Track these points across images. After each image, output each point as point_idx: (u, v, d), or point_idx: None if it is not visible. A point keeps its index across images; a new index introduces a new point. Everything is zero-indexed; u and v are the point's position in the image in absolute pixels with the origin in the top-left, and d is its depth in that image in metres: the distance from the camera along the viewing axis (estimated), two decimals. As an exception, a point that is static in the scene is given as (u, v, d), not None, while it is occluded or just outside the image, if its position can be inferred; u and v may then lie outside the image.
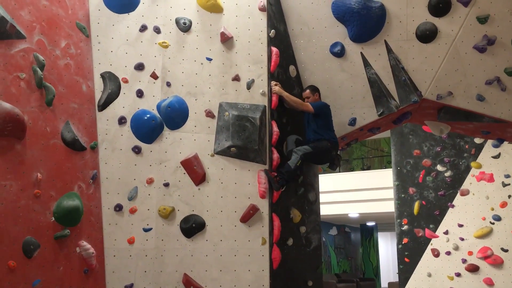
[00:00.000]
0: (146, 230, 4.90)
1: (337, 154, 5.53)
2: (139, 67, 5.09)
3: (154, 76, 5.11)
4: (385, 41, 5.74)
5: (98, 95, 4.93)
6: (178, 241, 4.94)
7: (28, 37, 4.23)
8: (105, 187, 4.84)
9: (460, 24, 5.64)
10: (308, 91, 5.59)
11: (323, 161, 5.57)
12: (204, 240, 4.97)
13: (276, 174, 5.12)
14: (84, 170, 4.66)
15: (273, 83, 5.31)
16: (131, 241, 4.85)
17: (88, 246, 4.55)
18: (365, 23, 5.67)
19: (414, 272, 9.14)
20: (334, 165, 5.61)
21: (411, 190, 9.35)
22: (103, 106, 4.93)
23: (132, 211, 4.89)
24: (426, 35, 5.66)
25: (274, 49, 5.39)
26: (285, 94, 5.35)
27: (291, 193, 5.49)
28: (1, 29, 3.98)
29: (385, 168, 17.13)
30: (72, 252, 4.44)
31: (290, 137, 5.43)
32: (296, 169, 5.16)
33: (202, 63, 5.24)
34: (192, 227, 4.95)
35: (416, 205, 9.24)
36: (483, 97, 5.67)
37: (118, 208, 4.85)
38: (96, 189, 4.78)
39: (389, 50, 5.73)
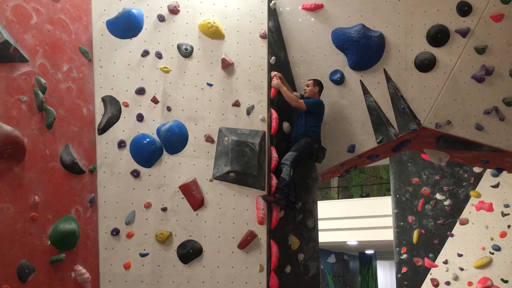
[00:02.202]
0: (142, 255, 4.85)
1: (320, 146, 5.54)
2: (140, 91, 5.12)
3: (154, 100, 5.14)
4: (384, 69, 5.80)
5: (98, 118, 4.95)
6: (175, 267, 4.89)
7: (31, 61, 4.27)
8: (103, 211, 4.82)
9: (458, 54, 5.71)
10: (311, 81, 5.66)
11: (310, 157, 5.58)
12: (201, 266, 4.91)
13: (272, 198, 5.11)
14: (82, 193, 4.64)
15: (273, 73, 5.40)
16: (127, 266, 4.79)
17: (84, 271, 4.50)
18: (364, 52, 5.74)
19: (413, 302, 9.02)
20: (319, 158, 5.63)
21: (410, 218, 9.30)
22: (103, 129, 4.95)
23: (129, 235, 4.85)
24: (425, 64, 5.72)
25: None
26: (284, 89, 5.42)
27: (290, 219, 5.46)
28: (4, 52, 4.02)
29: (384, 195, 17.05)
30: (67, 277, 4.38)
31: None
32: (292, 179, 5.18)
33: (202, 88, 5.28)
34: (189, 252, 4.90)
35: (415, 234, 9.17)
36: (482, 126, 5.69)
37: (115, 232, 4.81)
38: (93, 213, 4.75)
39: (388, 79, 5.79)
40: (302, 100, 5.47)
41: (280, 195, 5.09)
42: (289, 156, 5.26)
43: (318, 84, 5.66)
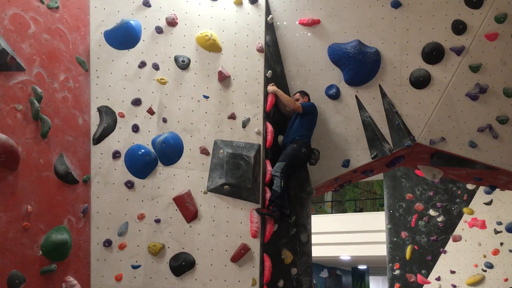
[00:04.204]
0: (134, 267, 4.81)
1: (310, 150, 5.52)
2: (136, 102, 5.13)
3: (150, 111, 5.15)
4: (379, 85, 5.85)
5: (93, 128, 4.94)
6: (167, 279, 4.85)
7: (28, 70, 4.27)
8: (95, 222, 4.78)
9: (453, 72, 5.77)
10: (298, 94, 5.76)
11: (301, 163, 5.56)
12: (193, 279, 4.88)
13: (266, 210, 5.10)
14: (75, 203, 4.61)
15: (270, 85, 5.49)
16: (118, 278, 4.75)
17: (75, 282, 4.45)
18: (360, 68, 5.78)
19: (405, 319, 8.99)
20: (313, 161, 5.62)
21: (404, 234, 9.30)
22: (98, 139, 4.93)
23: (121, 247, 4.82)
24: (420, 81, 5.77)
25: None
26: (280, 92, 5.49)
27: (283, 233, 5.45)
28: (1, 61, 4.02)
29: (377, 210, 17.06)
30: (58, 288, 4.33)
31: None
32: (284, 191, 5.16)
33: (198, 101, 5.30)
34: (182, 265, 4.87)
35: (408, 250, 9.17)
36: (475, 143, 5.73)
37: (107, 243, 4.78)
38: (86, 223, 4.72)
39: (383, 95, 5.83)
40: (299, 104, 5.54)
41: (273, 207, 5.08)
42: (277, 167, 5.25)
43: (305, 93, 5.78)
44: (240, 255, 4.95)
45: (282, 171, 5.20)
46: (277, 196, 5.10)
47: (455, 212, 9.02)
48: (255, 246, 5.01)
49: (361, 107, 5.86)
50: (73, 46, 4.85)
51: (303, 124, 5.49)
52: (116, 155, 4.96)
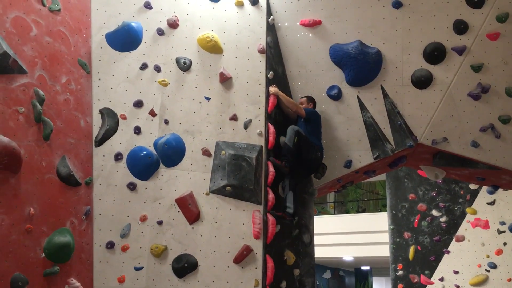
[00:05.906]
0: (137, 269, 4.81)
1: (322, 159, 5.61)
2: (138, 104, 5.13)
3: (152, 113, 5.15)
4: (381, 85, 5.84)
5: (95, 130, 4.95)
6: (170, 281, 4.85)
7: (30, 72, 4.28)
8: (98, 224, 4.79)
9: (454, 71, 5.76)
10: (304, 99, 5.79)
11: (309, 162, 5.58)
12: (196, 280, 4.88)
13: (279, 162, 5.21)
14: (77, 205, 4.62)
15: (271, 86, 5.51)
16: (121, 280, 4.75)
17: (77, 284, 4.46)
18: (361, 68, 5.78)
19: (409, 320, 8.96)
20: (319, 174, 5.70)
21: (406, 234, 9.28)
22: (100, 141, 4.94)
23: (124, 249, 4.82)
24: (422, 81, 5.76)
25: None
26: (281, 94, 5.51)
27: (286, 234, 5.44)
28: (3, 64, 4.04)
29: (380, 211, 17.03)
30: (61, 290, 4.34)
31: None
32: (295, 147, 5.26)
33: (200, 102, 5.30)
34: (184, 267, 4.87)
35: (411, 250, 9.15)
36: (478, 143, 5.72)
37: (110, 245, 4.78)
38: (88, 226, 4.72)
39: (385, 95, 5.83)
40: (302, 108, 5.55)
41: (286, 162, 5.20)
42: (293, 127, 5.34)
43: (311, 100, 5.78)
44: (242, 256, 4.94)
45: (297, 132, 5.30)
46: (289, 151, 5.21)
47: (458, 212, 9.00)
48: (258, 247, 5.01)
49: (363, 107, 5.85)
50: (75, 48, 4.86)
51: (310, 131, 5.53)
52: (118, 157, 4.97)
